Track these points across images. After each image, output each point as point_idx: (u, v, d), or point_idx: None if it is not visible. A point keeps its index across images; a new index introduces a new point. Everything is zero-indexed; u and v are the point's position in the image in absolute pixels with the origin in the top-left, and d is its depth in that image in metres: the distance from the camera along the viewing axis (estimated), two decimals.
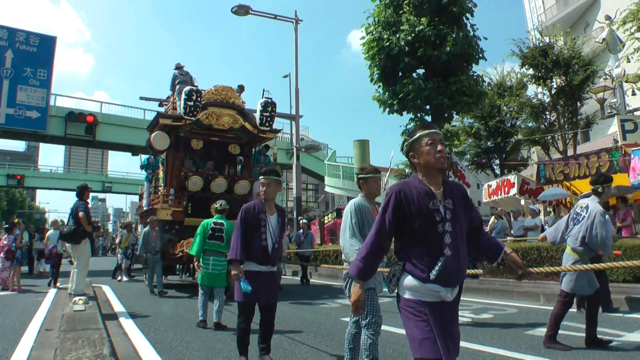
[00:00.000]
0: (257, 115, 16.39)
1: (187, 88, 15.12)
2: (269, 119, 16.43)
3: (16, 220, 21.23)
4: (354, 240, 5.09)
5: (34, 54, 33.98)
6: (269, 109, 16.40)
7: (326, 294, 14.26)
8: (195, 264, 9.73)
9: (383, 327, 5.50)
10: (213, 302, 9.08)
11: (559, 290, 7.13)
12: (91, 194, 14.84)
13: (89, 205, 12.37)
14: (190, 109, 14.85)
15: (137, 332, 8.33)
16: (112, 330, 8.33)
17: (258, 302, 5.96)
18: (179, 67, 17.30)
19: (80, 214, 11.52)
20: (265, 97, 16.42)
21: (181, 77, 16.74)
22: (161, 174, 17.20)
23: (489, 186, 25.74)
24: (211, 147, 16.78)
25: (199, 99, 15.04)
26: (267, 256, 5.97)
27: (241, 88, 17.57)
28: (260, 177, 6.18)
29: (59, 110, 35.99)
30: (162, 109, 19.74)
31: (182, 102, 14.88)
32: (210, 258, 9.25)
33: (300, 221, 20.22)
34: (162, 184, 16.69)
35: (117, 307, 11.74)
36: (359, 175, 5.56)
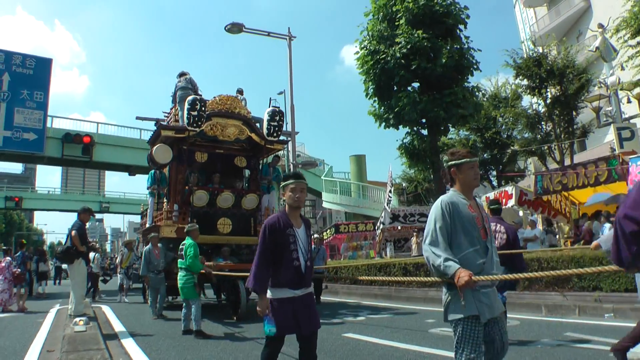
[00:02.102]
0: (264, 125, 15.56)
1: (191, 97, 14.18)
2: (276, 128, 15.56)
3: (24, 242, 21.29)
4: (436, 249, 3.90)
5: (30, 76, 34.01)
6: (277, 118, 15.54)
7: (330, 310, 14.10)
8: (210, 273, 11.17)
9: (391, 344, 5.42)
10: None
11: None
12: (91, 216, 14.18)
13: (87, 226, 12.33)
14: (194, 119, 13.92)
15: (139, 352, 8.29)
16: (113, 350, 8.28)
17: (299, 332, 4.91)
18: (182, 75, 15.96)
19: (73, 232, 11.46)
20: (273, 106, 15.59)
21: (182, 84, 15.54)
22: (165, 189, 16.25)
23: (487, 198, 25.72)
24: (216, 160, 15.92)
25: (203, 108, 14.10)
26: (301, 277, 4.93)
27: (240, 92, 17.01)
28: (290, 181, 5.06)
29: (56, 131, 35.97)
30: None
31: (185, 112, 13.94)
32: (178, 274, 10.40)
33: (312, 236, 20.01)
34: (165, 200, 15.82)
35: (118, 327, 11.66)
36: (450, 163, 4.27)
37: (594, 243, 7.27)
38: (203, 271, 11.41)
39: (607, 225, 14.67)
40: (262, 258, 4.86)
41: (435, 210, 4.06)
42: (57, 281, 35.33)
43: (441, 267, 3.75)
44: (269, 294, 4.87)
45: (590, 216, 18.20)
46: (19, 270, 17.66)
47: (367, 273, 18.15)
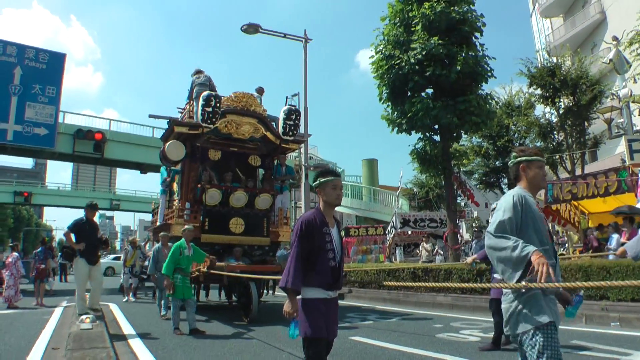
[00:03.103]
0: (279, 123, 15.24)
1: (206, 93, 13.88)
2: (292, 127, 15.23)
3: (46, 239, 21.49)
4: (504, 238, 3.66)
5: (43, 70, 33.91)
6: (293, 117, 15.25)
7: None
8: (165, 282, 10.77)
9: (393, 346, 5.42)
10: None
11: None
12: (99, 212, 13.81)
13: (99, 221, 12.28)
14: (208, 115, 13.63)
15: (145, 351, 8.32)
16: (119, 349, 8.30)
17: (327, 338, 4.64)
18: (198, 72, 15.71)
19: (66, 231, 11.49)
20: (289, 105, 15.40)
21: (200, 80, 15.22)
22: (176, 186, 16.05)
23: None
24: (230, 158, 15.63)
25: (218, 105, 13.83)
26: (337, 278, 4.70)
27: (260, 91, 16.72)
28: (331, 178, 4.78)
29: (68, 127, 35.99)
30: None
31: (200, 107, 13.65)
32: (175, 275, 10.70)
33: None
34: (176, 198, 15.49)
35: (125, 325, 11.70)
36: (520, 158, 4.12)
37: (620, 249, 7.23)
38: (197, 272, 12.07)
39: (615, 235, 14.66)
40: (299, 255, 4.53)
41: (505, 202, 3.92)
42: (63, 277, 35.37)
43: (516, 250, 3.51)
44: (302, 293, 4.57)
45: (597, 226, 18.27)
46: (43, 265, 17.89)
47: (376, 277, 18.14)
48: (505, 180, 35.71)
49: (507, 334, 3.77)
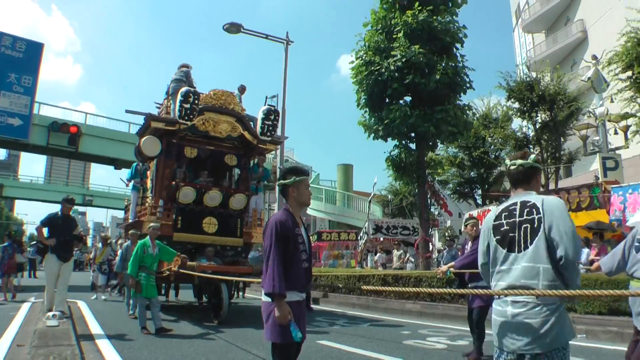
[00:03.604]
0: (258, 123, 14.95)
1: (184, 89, 13.57)
2: (270, 128, 15.01)
3: (12, 232, 21.12)
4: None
5: (19, 59, 33.27)
6: (272, 117, 14.99)
7: (306, 317, 14.00)
8: (130, 281, 10.78)
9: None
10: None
11: None
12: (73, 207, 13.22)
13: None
14: (185, 111, 13.36)
15: (110, 350, 8.20)
16: (85, 347, 8.19)
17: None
18: (183, 66, 15.51)
19: (38, 225, 11.24)
20: (268, 105, 15.14)
21: (177, 77, 15.03)
22: (149, 183, 15.58)
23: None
24: (206, 157, 15.45)
25: (196, 101, 13.54)
26: (309, 280, 4.66)
27: (242, 89, 16.63)
28: (304, 177, 4.70)
29: (43, 119, 35.57)
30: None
31: (178, 103, 13.34)
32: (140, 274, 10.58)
33: None
34: (150, 195, 15.13)
35: (92, 323, 11.51)
36: (537, 165, 3.90)
37: (595, 264, 7.24)
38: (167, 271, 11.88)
39: (586, 250, 14.79)
40: (278, 257, 4.31)
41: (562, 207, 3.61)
42: (32, 273, 34.80)
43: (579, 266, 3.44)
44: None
45: None
46: (10, 260, 17.64)
47: (346, 282, 18.12)
48: (480, 192, 35.98)
49: (532, 352, 3.37)
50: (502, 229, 3.67)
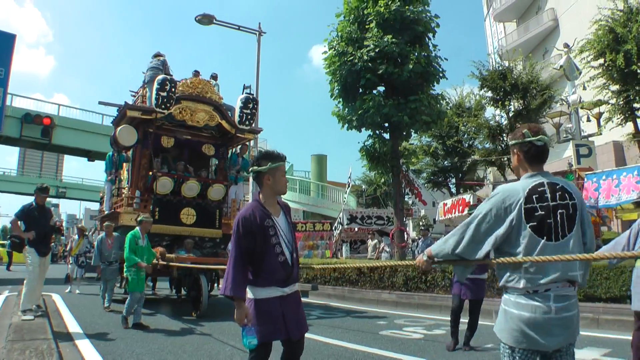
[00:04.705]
0: (235, 112, 14.92)
1: (161, 77, 13.44)
2: (249, 116, 14.96)
3: None
4: None
5: None
6: (250, 105, 14.94)
7: None
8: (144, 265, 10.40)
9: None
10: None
11: None
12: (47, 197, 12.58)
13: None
14: (162, 100, 13.22)
15: (86, 343, 8.18)
16: (61, 341, 8.14)
17: (287, 337, 4.15)
18: (157, 55, 15.24)
19: (13, 218, 10.58)
20: (247, 93, 14.98)
21: (153, 64, 14.75)
22: (125, 174, 15.46)
23: (445, 204, 26.11)
24: (183, 146, 15.34)
25: (173, 90, 13.39)
26: (290, 272, 4.23)
27: (214, 77, 16.58)
28: (278, 163, 4.33)
29: (15, 110, 35.17)
30: None
31: (154, 92, 13.17)
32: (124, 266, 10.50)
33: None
34: (126, 185, 14.93)
35: (68, 317, 11.40)
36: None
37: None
38: (155, 262, 11.29)
39: None
40: (238, 259, 4.06)
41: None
42: (7, 266, 34.46)
43: None
44: (253, 295, 4.13)
45: None
46: None
47: (321, 272, 18.14)
48: (454, 181, 36.21)
49: (567, 344, 3.21)
50: (536, 213, 3.23)
